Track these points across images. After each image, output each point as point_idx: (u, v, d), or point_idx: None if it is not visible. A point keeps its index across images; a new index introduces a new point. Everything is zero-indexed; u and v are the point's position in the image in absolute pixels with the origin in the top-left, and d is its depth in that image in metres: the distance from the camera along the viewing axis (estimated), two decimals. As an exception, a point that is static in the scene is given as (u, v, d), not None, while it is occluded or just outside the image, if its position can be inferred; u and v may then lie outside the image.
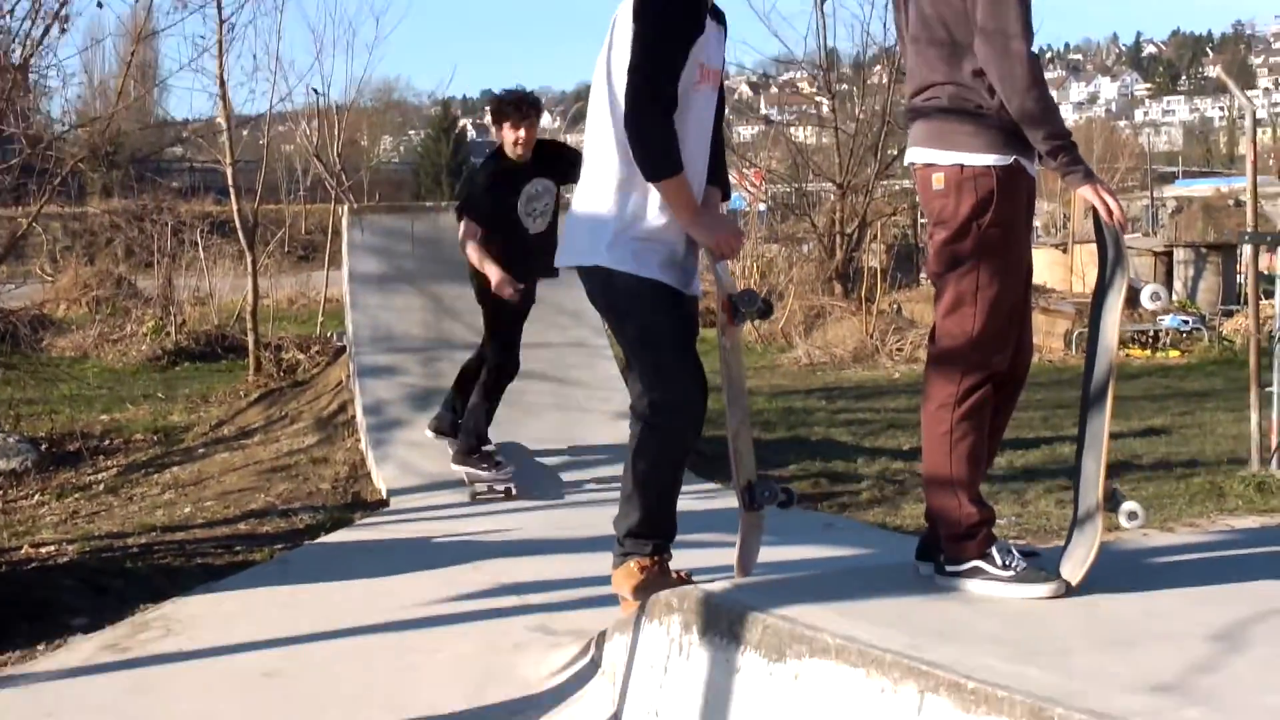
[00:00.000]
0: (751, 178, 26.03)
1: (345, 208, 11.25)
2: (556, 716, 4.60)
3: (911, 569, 4.53)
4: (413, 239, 10.44)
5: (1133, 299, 4.30)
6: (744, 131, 42.85)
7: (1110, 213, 4.21)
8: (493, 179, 8.11)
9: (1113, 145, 57.63)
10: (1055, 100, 4.28)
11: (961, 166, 4.22)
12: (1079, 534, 4.28)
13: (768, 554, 4.98)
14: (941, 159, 4.27)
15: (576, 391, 9.77)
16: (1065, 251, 24.63)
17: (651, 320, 4.56)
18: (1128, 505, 4.28)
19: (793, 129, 29.74)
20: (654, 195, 4.51)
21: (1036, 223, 41.94)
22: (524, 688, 4.94)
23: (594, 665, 4.77)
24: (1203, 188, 46.77)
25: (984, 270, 4.22)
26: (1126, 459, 9.34)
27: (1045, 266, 24.76)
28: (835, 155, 22.94)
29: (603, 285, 4.60)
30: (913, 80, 4.42)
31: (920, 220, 25.65)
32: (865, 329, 17.63)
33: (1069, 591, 4.17)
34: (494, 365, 8.33)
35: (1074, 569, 4.19)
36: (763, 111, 39.34)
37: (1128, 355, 17.58)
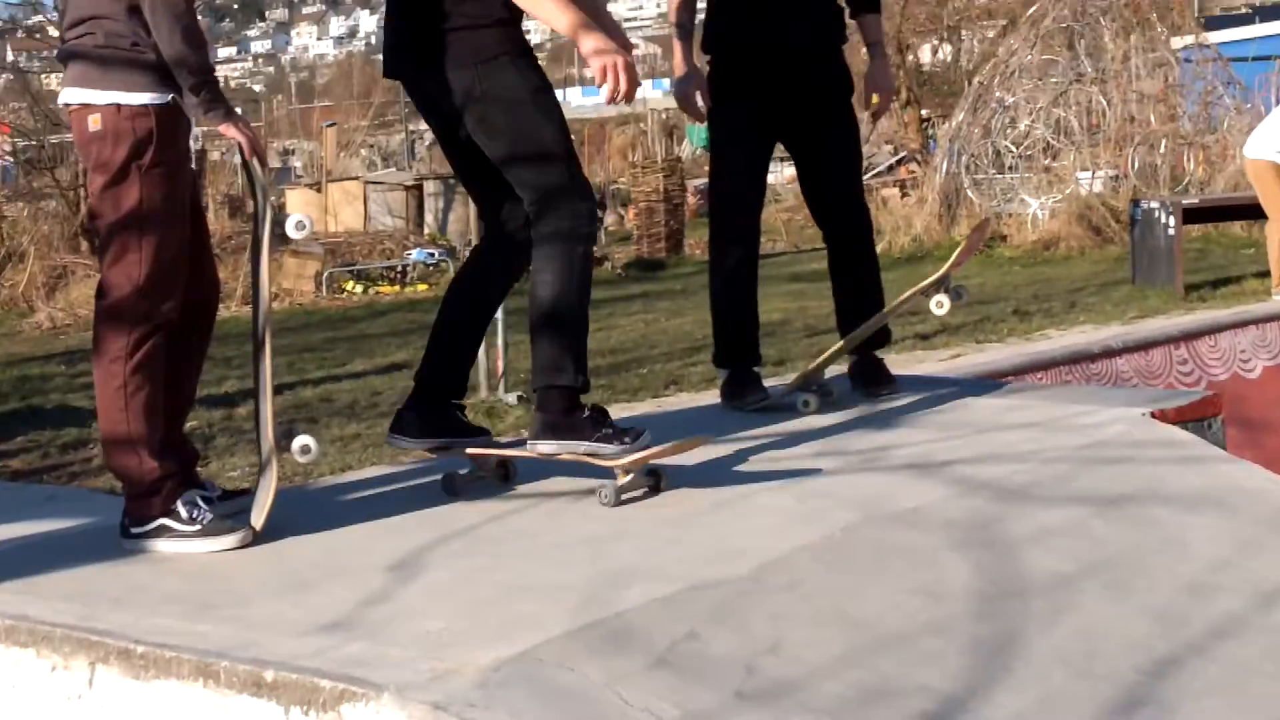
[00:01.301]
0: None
1: None
2: None
3: (110, 534, 4.39)
4: None
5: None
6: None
7: (250, 149, 4.26)
8: None
9: (370, 79, 58.07)
10: (204, 36, 4.24)
11: (119, 106, 4.10)
12: (263, 479, 4.32)
13: (-33, 540, 4.69)
14: (97, 99, 4.13)
15: None
16: (319, 191, 24.81)
17: None
18: (300, 440, 4.33)
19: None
20: None
21: (296, 162, 42.06)
22: None
23: None
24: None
25: (147, 216, 4.12)
26: (368, 397, 9.52)
27: (300, 206, 24.85)
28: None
29: None
30: (70, 15, 4.24)
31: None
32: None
33: (257, 539, 4.18)
34: None
35: (258, 514, 4.22)
36: (9, 58, 36.99)
37: (378, 293, 17.98)
